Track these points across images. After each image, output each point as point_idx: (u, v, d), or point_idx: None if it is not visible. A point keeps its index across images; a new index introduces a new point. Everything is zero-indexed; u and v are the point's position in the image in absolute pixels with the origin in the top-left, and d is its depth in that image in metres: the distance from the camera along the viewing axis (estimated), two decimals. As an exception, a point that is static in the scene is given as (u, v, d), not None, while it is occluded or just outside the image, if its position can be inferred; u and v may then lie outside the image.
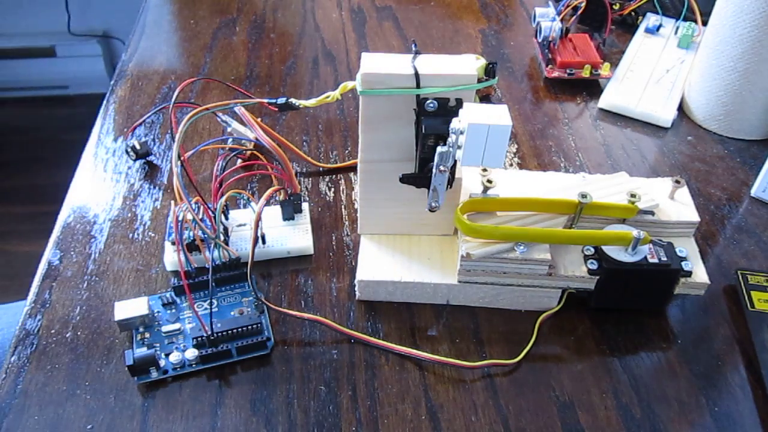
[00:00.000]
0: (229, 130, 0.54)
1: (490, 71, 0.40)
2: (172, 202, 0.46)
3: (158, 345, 0.41)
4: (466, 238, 0.42)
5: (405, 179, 0.41)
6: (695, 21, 0.71)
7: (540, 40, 0.68)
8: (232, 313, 0.43)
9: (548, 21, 0.67)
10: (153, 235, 0.49)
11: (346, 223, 0.51)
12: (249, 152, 0.54)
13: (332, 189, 0.54)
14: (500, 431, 0.39)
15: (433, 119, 0.38)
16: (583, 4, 0.69)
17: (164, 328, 0.42)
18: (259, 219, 0.44)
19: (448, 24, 0.75)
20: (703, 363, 0.43)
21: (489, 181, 0.43)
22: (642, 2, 0.73)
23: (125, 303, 0.42)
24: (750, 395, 0.41)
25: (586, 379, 0.42)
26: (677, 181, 0.46)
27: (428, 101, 0.38)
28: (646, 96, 0.63)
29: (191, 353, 0.40)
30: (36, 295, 0.45)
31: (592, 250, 0.43)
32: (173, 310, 0.43)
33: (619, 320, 0.45)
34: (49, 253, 0.47)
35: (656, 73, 0.66)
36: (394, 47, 0.71)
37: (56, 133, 1.63)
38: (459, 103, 0.38)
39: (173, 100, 0.46)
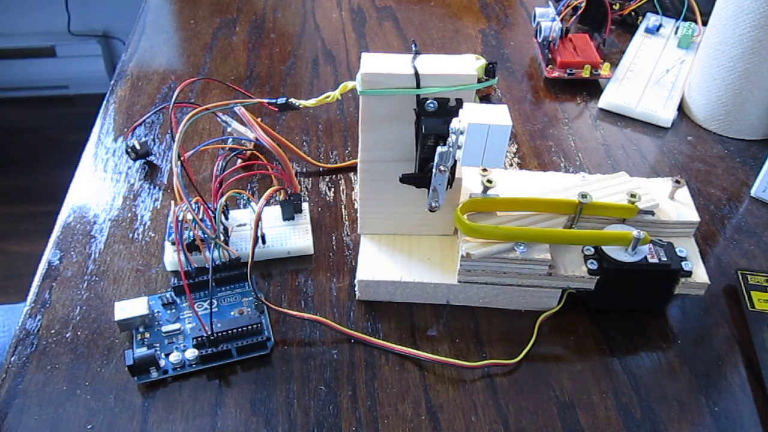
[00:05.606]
0: (229, 130, 0.54)
1: (490, 71, 0.40)
2: (172, 202, 0.46)
3: (158, 345, 0.41)
4: (466, 238, 0.42)
5: (405, 179, 0.41)
6: (695, 21, 0.71)
7: (540, 40, 0.68)
8: (232, 313, 0.43)
9: (548, 21, 0.67)
10: (153, 235, 0.49)
11: (346, 223, 0.51)
12: (249, 152, 0.54)
13: (332, 189, 0.54)
14: (500, 431, 0.39)
15: (433, 119, 0.38)
16: (583, 4, 0.69)
17: (164, 328, 0.42)
18: (259, 219, 0.44)
19: (448, 24, 0.75)
20: (703, 363, 0.43)
21: (489, 181, 0.43)
22: (642, 2, 0.73)
23: (125, 303, 0.42)
24: (750, 395, 0.41)
25: (586, 379, 0.42)
26: (677, 181, 0.46)
27: (428, 101, 0.38)
28: (646, 96, 0.63)
29: (191, 353, 0.40)
30: (36, 295, 0.45)
31: (592, 250, 0.43)
32: (173, 310, 0.43)
33: (619, 320, 0.45)
34: (49, 253, 0.47)
35: (656, 73, 0.66)
36: (394, 47, 0.71)
37: (56, 133, 1.63)
38: (459, 103, 0.38)
39: (173, 100, 0.46)
